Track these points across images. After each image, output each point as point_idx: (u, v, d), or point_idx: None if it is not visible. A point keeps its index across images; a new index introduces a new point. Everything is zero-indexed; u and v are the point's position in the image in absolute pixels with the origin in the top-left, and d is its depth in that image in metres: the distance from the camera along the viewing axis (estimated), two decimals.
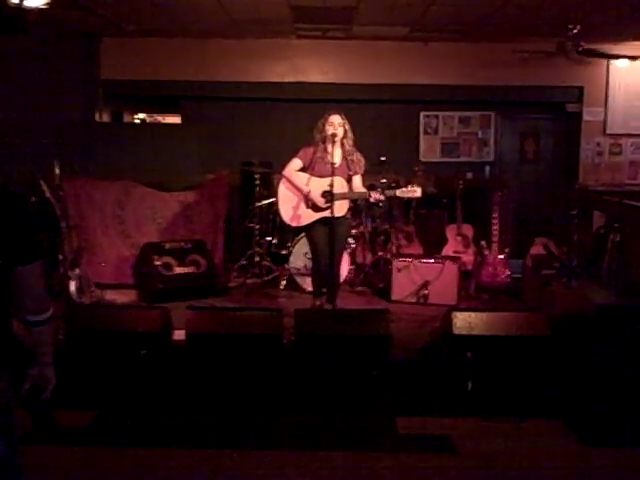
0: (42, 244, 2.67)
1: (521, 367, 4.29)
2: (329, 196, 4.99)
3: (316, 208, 5.17)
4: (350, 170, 5.13)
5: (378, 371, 4.30)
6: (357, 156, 5.21)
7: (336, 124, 5.05)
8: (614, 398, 4.03)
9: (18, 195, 2.27)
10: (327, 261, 5.11)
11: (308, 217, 5.21)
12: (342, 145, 5.12)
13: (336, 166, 4.99)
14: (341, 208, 5.03)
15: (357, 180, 5.23)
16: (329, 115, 5.09)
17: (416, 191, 5.04)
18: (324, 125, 5.09)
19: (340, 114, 5.11)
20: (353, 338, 4.35)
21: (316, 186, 5.16)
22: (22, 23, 3.44)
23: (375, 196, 5.06)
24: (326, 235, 5.09)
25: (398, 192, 5.11)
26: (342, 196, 5.02)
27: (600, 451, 3.79)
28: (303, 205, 5.21)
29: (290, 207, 5.23)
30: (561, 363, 4.30)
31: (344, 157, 5.15)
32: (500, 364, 4.30)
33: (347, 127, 5.12)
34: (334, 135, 5.01)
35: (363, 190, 5.20)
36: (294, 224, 5.31)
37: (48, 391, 2.39)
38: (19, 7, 3.27)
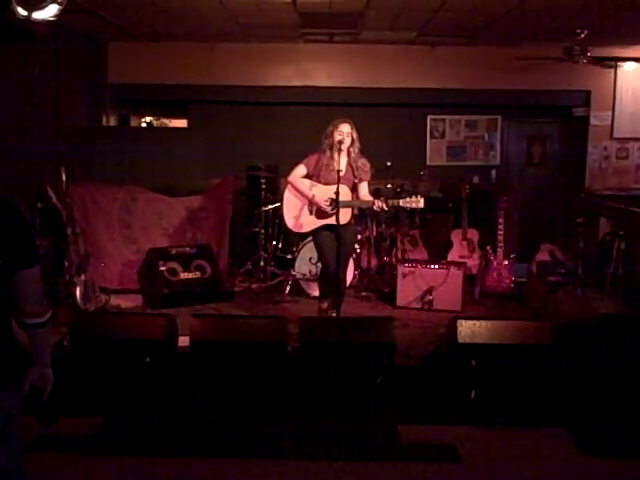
0: (39, 249, 2.68)
1: (525, 375, 4.29)
2: (333, 203, 5.02)
3: (319, 215, 5.19)
4: (355, 177, 5.13)
5: (382, 378, 4.31)
6: (362, 162, 5.19)
7: (345, 133, 5.04)
8: (617, 407, 4.02)
9: (13, 202, 2.33)
10: (335, 265, 5.11)
11: (311, 224, 5.23)
12: (348, 153, 5.13)
13: (341, 174, 4.97)
14: (345, 216, 5.00)
15: (363, 187, 5.22)
16: (339, 123, 5.08)
17: (419, 201, 5.07)
18: (332, 133, 5.07)
19: (349, 122, 5.09)
20: (357, 346, 4.36)
21: (320, 193, 5.17)
22: (30, 34, 3.47)
23: (378, 205, 5.06)
24: (332, 240, 5.11)
25: (401, 202, 5.14)
26: (346, 204, 5.00)
27: (602, 460, 3.79)
28: (307, 211, 5.24)
29: (294, 213, 5.26)
30: (564, 371, 4.30)
31: (349, 164, 5.15)
32: (504, 372, 4.30)
33: (355, 136, 5.11)
34: (341, 142, 5.01)
35: (369, 198, 5.19)
36: (297, 230, 5.36)
37: (47, 392, 2.43)
38: (27, 19, 3.30)
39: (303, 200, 5.24)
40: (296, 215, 5.25)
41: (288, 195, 5.30)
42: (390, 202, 5.14)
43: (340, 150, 5.03)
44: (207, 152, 8.35)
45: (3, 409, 2.28)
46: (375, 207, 5.08)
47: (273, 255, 6.99)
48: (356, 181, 5.15)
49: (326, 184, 5.15)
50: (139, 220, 6.84)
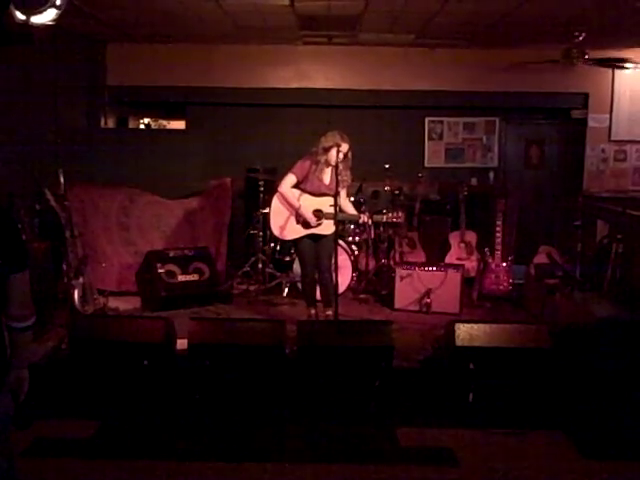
0: (30, 253, 2.70)
1: (523, 379, 4.30)
2: (320, 214, 5.26)
3: (306, 225, 5.33)
4: (338, 186, 5.19)
5: (380, 381, 4.31)
6: (345, 173, 5.30)
7: (343, 152, 5.13)
8: (616, 410, 4.03)
9: (4, 208, 2.37)
10: (314, 272, 5.44)
11: (296, 232, 5.37)
12: (336, 167, 5.17)
13: (327, 183, 5.26)
14: (330, 227, 5.21)
15: (342, 194, 5.38)
16: (340, 142, 5.13)
17: (400, 217, 5.44)
18: (331, 149, 5.16)
19: (348, 142, 5.20)
20: (355, 349, 4.36)
21: (307, 204, 5.29)
22: (29, 37, 3.48)
23: (363, 219, 5.37)
24: (312, 247, 5.38)
25: (384, 218, 5.47)
26: (333, 216, 5.13)
27: (601, 464, 3.79)
28: (293, 220, 5.36)
29: (280, 221, 5.38)
30: (562, 375, 4.31)
31: (334, 175, 5.21)
32: (502, 376, 4.30)
33: (349, 154, 5.26)
34: (337, 159, 5.10)
35: (351, 209, 5.43)
36: (282, 238, 5.54)
37: (22, 394, 2.44)
38: (26, 23, 3.30)
39: (290, 209, 5.35)
40: (282, 223, 5.38)
41: (276, 203, 5.42)
42: (374, 217, 5.49)
43: (331, 165, 5.23)
44: (205, 154, 8.35)
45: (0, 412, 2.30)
46: (360, 221, 5.44)
47: (271, 257, 7.00)
48: (339, 189, 5.22)
49: (312, 194, 5.30)
50: (137, 222, 6.85)
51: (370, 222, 5.46)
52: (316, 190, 5.28)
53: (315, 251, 5.37)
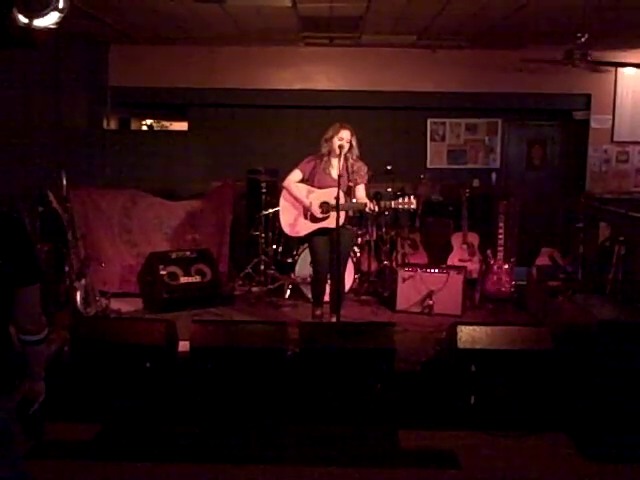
0: (40, 266, 2.65)
1: (525, 381, 4.29)
2: (327, 207, 5.13)
3: (314, 219, 5.24)
4: (350, 181, 5.13)
5: (381, 384, 4.31)
6: (358, 166, 5.20)
7: (345, 139, 5.05)
8: (617, 413, 4.02)
9: (18, 218, 2.33)
10: (327, 271, 5.28)
11: (306, 228, 5.28)
12: (345, 158, 5.11)
13: (335, 177, 5.06)
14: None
15: (360, 190, 5.24)
16: (339, 129, 5.07)
17: (412, 202, 5.11)
18: (332, 138, 5.09)
19: (350, 129, 5.10)
20: (357, 351, 4.36)
21: (315, 197, 5.22)
22: (31, 40, 3.48)
23: (370, 207, 5.07)
24: (326, 245, 5.23)
25: (394, 203, 5.16)
26: (339, 207, 4.98)
27: (602, 466, 3.80)
28: (302, 216, 5.28)
29: (289, 218, 5.31)
30: (565, 377, 4.30)
31: (345, 168, 5.14)
32: (504, 378, 4.30)
33: (354, 142, 5.12)
34: (340, 148, 5.02)
35: (364, 201, 5.19)
36: (294, 235, 5.42)
37: (37, 404, 2.42)
38: (28, 26, 3.31)
39: (298, 205, 5.28)
40: (292, 220, 5.30)
41: (284, 200, 5.34)
42: (382, 204, 5.16)
43: (338, 156, 5.07)
44: (207, 155, 8.38)
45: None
46: (367, 209, 5.12)
47: (273, 259, 7.00)
48: (351, 184, 5.15)
49: (320, 187, 5.21)
50: (139, 224, 6.84)
51: (376, 210, 5.11)
52: (323, 184, 5.18)
53: (329, 249, 5.21)
